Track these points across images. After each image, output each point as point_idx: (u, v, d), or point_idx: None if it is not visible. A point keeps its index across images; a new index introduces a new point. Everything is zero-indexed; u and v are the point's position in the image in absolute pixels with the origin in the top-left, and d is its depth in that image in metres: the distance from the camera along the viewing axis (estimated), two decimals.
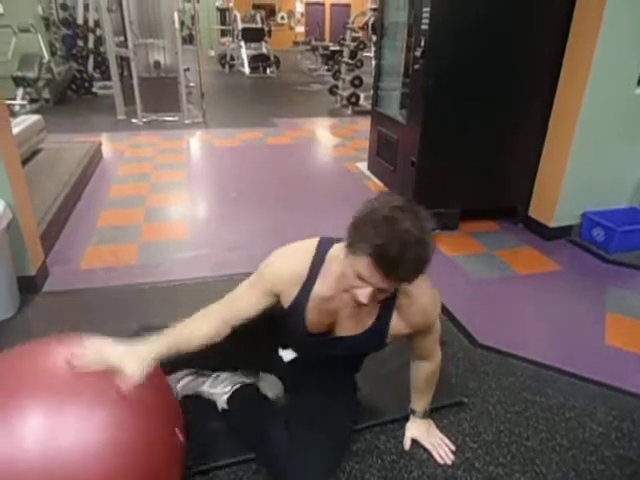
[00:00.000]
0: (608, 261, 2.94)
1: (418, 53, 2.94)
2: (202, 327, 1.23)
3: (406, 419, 1.64)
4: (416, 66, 3.02)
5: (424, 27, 2.85)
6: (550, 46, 2.95)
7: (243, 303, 1.25)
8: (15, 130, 3.27)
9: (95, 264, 2.80)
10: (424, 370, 1.50)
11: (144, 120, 6.43)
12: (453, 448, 1.56)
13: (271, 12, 18.93)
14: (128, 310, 2.34)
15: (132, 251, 2.98)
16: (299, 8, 20.89)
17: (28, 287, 2.41)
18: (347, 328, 1.28)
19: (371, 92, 4.30)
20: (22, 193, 2.41)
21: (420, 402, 1.57)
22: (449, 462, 1.52)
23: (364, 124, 6.41)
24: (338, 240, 1.22)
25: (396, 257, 0.94)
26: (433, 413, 1.66)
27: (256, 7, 16.11)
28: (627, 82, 2.88)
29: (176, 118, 6.60)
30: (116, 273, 2.71)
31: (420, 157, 3.10)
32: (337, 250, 1.19)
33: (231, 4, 16.38)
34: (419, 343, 1.40)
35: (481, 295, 2.61)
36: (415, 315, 1.26)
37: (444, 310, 2.42)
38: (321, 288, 1.21)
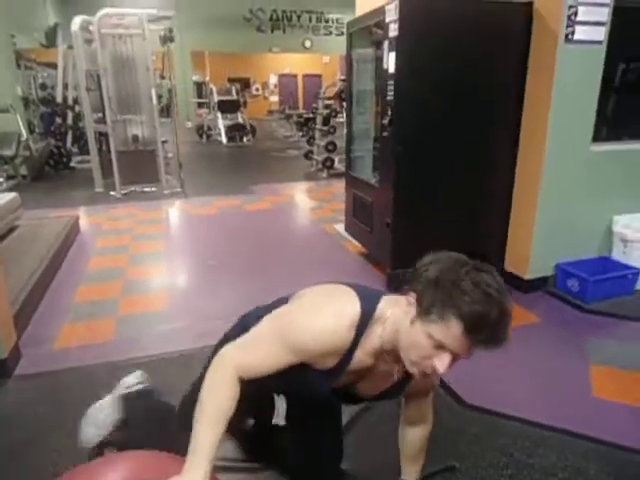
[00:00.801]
0: (586, 311, 2.99)
1: (386, 121, 3.10)
2: (227, 411, 1.00)
3: None
4: (385, 133, 3.17)
5: (390, 98, 3.03)
6: (509, 109, 3.16)
7: (266, 364, 1.05)
8: None
9: (71, 342, 2.71)
10: (417, 435, 1.44)
11: (122, 192, 6.49)
12: None
13: (246, 84, 19.85)
14: (103, 391, 2.25)
15: (109, 326, 2.91)
16: (272, 80, 21.96)
17: None
18: (365, 387, 1.21)
19: (344, 156, 4.46)
20: None
21: (412, 470, 1.47)
22: None
23: (340, 186, 6.59)
24: (378, 295, 1.15)
25: (496, 321, 0.90)
26: None
27: (231, 80, 16.90)
28: (582, 139, 3.07)
29: (154, 189, 6.69)
30: (92, 351, 2.63)
31: (394, 218, 3.18)
32: (381, 312, 1.10)
33: (207, 78, 17.15)
34: (419, 406, 1.37)
35: None
36: (427, 380, 1.24)
37: None
38: (359, 361, 1.10)
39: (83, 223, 5.10)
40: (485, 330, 0.91)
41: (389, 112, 3.06)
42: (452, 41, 2.95)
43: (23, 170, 7.30)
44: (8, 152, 6.77)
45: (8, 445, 1.93)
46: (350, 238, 4.23)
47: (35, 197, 5.98)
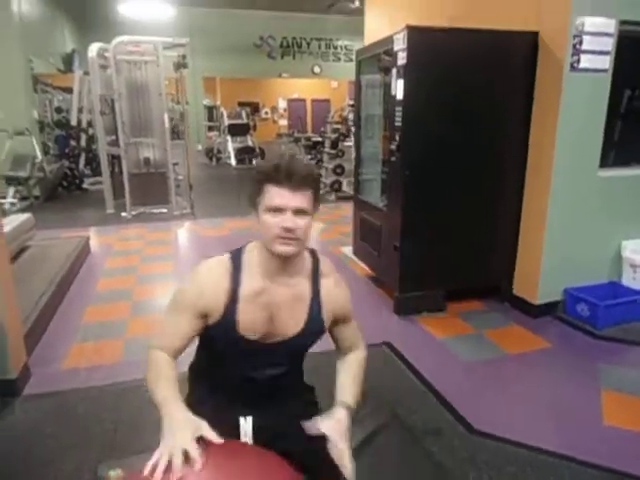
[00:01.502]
0: (597, 337, 2.96)
1: (394, 147, 3.15)
2: (169, 371, 1.18)
3: None
4: (393, 158, 3.22)
5: (398, 123, 3.08)
6: (515, 136, 3.20)
7: (179, 337, 1.20)
8: (5, 229, 3.32)
9: (79, 363, 2.72)
10: (351, 359, 1.40)
11: (133, 213, 6.58)
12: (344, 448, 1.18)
13: (255, 108, 20.17)
14: (110, 412, 2.26)
15: (117, 347, 2.92)
16: (282, 104, 22.31)
17: (8, 391, 2.33)
18: (285, 322, 1.23)
19: (352, 179, 4.50)
20: (9, 294, 2.40)
21: (348, 394, 1.32)
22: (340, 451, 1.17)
23: (347, 209, 6.62)
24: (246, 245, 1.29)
25: (285, 165, 1.11)
26: None
27: (241, 104, 17.19)
28: (590, 165, 3.09)
29: (165, 210, 6.77)
30: (100, 372, 2.64)
31: (403, 242, 3.19)
32: (250, 245, 1.27)
33: (218, 102, 17.47)
34: (345, 333, 1.38)
35: (473, 378, 2.58)
36: (336, 291, 1.30)
37: (437, 395, 2.38)
38: (249, 283, 1.20)
39: (94, 243, 5.16)
40: (282, 175, 1.10)
41: (397, 138, 3.11)
42: (459, 69, 3.01)
43: (36, 191, 7.43)
44: (22, 173, 6.90)
45: (20, 463, 1.93)
46: (358, 261, 4.24)
47: (47, 217, 6.06)
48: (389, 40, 3.12)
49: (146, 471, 0.94)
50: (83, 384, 2.51)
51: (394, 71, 3.07)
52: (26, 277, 3.49)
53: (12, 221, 3.96)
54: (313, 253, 1.32)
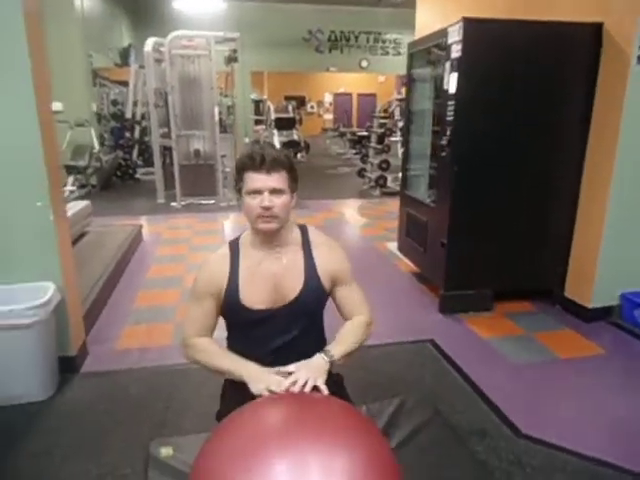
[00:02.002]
0: None
1: (444, 142, 3.09)
2: (216, 346, 1.40)
3: None
4: (443, 153, 3.16)
5: (449, 118, 3.02)
6: (574, 133, 3.07)
7: (205, 320, 1.39)
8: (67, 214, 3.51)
9: (132, 344, 2.85)
10: (355, 323, 1.44)
11: (182, 203, 6.79)
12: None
13: (302, 102, 20.27)
14: (161, 392, 2.36)
15: (167, 331, 3.03)
16: (327, 98, 22.31)
17: (68, 367, 2.47)
18: (284, 288, 1.36)
19: (398, 174, 4.46)
20: (71, 275, 2.54)
21: (338, 347, 1.35)
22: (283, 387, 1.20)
23: (392, 205, 6.58)
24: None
25: (257, 151, 1.26)
26: None
27: (288, 98, 17.34)
28: None
29: (212, 201, 6.94)
30: (151, 354, 2.75)
31: (450, 238, 3.14)
32: (245, 232, 1.43)
33: (265, 96, 17.69)
34: (345, 296, 1.44)
35: (521, 380, 2.52)
36: (329, 254, 1.42)
37: (482, 395, 2.34)
38: (245, 261, 1.37)
39: (145, 232, 5.36)
40: (256, 161, 1.26)
41: (448, 132, 3.05)
42: (515, 63, 2.92)
43: (93, 180, 7.80)
44: (82, 163, 7.25)
45: (77, 436, 2.05)
46: (402, 257, 4.20)
47: (102, 205, 6.34)
48: (443, 32, 3.06)
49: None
50: (135, 364, 2.62)
51: (447, 64, 3.01)
52: (84, 261, 3.68)
53: (72, 207, 4.17)
54: (302, 227, 1.46)
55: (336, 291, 1.44)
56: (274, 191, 1.27)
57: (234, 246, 1.42)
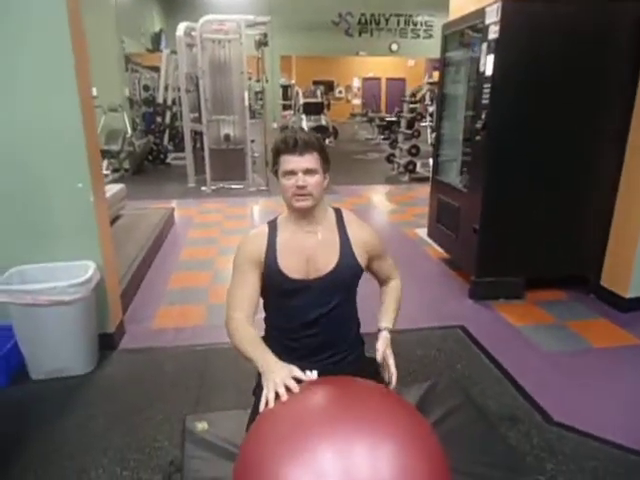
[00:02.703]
0: None
1: (479, 125, 3.03)
2: (252, 332, 1.39)
3: None
4: (477, 137, 3.10)
5: (485, 101, 2.96)
6: (615, 119, 2.96)
7: (246, 293, 1.43)
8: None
9: (166, 324, 2.94)
10: (392, 287, 1.62)
11: (212, 188, 6.87)
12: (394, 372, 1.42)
13: (330, 87, 20.13)
14: (195, 371, 2.43)
15: (200, 312, 3.11)
16: (356, 83, 22.07)
17: (107, 344, 2.57)
18: (319, 261, 1.43)
19: (427, 160, 4.40)
20: (109, 255, 2.63)
21: (388, 318, 1.55)
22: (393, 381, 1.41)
23: (421, 191, 6.52)
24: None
25: (290, 135, 1.35)
26: None
27: (316, 83, 17.22)
28: None
29: (241, 186, 7.01)
30: (185, 333, 2.84)
31: (483, 224, 3.10)
32: (283, 213, 1.51)
33: (293, 81, 17.62)
34: (381, 267, 1.59)
35: (553, 368, 2.48)
36: (362, 232, 1.50)
37: (513, 382, 2.32)
38: (283, 236, 1.46)
39: (177, 215, 5.46)
40: (289, 144, 1.35)
41: (483, 116, 2.99)
42: (555, 45, 2.84)
43: (126, 164, 7.96)
44: (115, 147, 7.41)
45: (116, 409, 2.15)
46: (432, 243, 4.17)
47: (135, 189, 6.46)
48: (480, 13, 2.98)
49: (261, 407, 1.12)
50: (170, 343, 2.71)
51: (484, 46, 2.94)
52: (120, 243, 3.78)
53: (108, 190, 4.28)
54: (337, 209, 1.54)
55: (374, 265, 1.56)
56: (307, 171, 1.35)
57: (272, 224, 1.51)
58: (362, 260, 1.47)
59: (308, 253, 1.42)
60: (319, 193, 1.40)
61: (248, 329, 1.38)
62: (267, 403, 1.12)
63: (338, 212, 1.53)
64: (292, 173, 1.35)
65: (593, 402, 2.21)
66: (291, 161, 1.35)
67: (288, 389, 1.13)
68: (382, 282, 1.64)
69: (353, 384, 1.20)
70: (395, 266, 1.64)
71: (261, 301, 1.50)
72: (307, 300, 1.43)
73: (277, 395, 1.12)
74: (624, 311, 3.02)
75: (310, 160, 1.36)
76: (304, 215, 1.43)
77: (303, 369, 1.26)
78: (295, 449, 0.94)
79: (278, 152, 1.38)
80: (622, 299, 3.04)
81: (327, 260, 1.43)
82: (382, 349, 1.43)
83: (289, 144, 1.34)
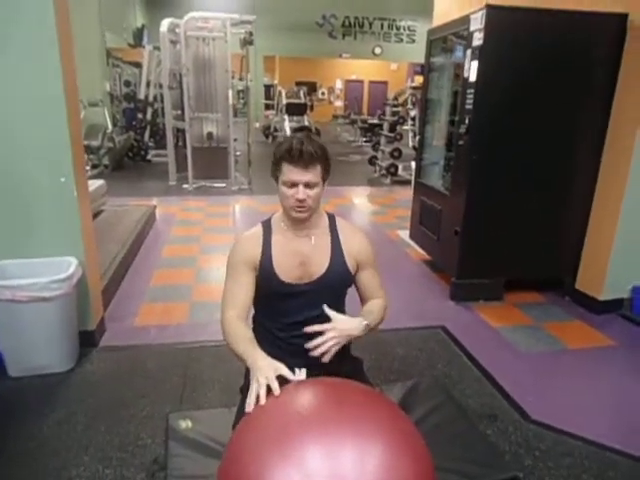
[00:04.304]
0: None
1: (462, 130, 3.09)
2: (244, 329, 1.39)
3: None
4: (460, 142, 3.17)
5: (468, 106, 3.02)
6: (593, 125, 3.06)
7: (240, 293, 1.44)
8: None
9: (149, 321, 2.91)
10: (375, 303, 1.53)
11: (194, 186, 6.82)
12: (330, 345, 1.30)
13: (313, 88, 20.15)
14: (178, 368, 2.41)
15: (183, 310, 3.09)
16: (339, 85, 22.16)
17: (87, 341, 2.53)
18: (311, 265, 1.44)
19: (409, 163, 4.46)
20: (92, 251, 2.59)
21: (368, 317, 1.43)
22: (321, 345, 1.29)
23: (403, 193, 6.60)
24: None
25: (297, 147, 1.31)
26: None
27: (299, 84, 17.23)
28: None
29: (224, 184, 6.97)
30: (168, 331, 2.81)
31: (464, 227, 3.16)
32: (277, 213, 1.52)
33: (276, 81, 17.60)
34: (369, 280, 1.54)
35: (531, 368, 2.55)
36: (353, 239, 1.51)
37: (492, 381, 2.38)
38: (277, 238, 1.47)
39: (158, 213, 5.39)
40: (294, 155, 1.32)
41: (466, 121, 3.05)
42: (536, 53, 2.91)
43: (106, 160, 7.83)
44: (95, 142, 7.30)
45: (97, 406, 2.12)
46: (414, 245, 4.22)
47: (115, 185, 6.35)
48: (465, 19, 3.04)
49: (249, 409, 1.10)
50: (153, 341, 2.69)
51: (468, 52, 3.01)
52: (101, 239, 3.72)
53: (89, 186, 4.21)
54: (330, 215, 1.55)
55: (360, 274, 1.53)
56: (308, 185, 1.35)
57: (266, 224, 1.52)
58: (352, 267, 1.49)
59: (302, 257, 1.44)
60: (317, 204, 1.42)
61: (242, 327, 1.39)
62: (252, 402, 1.10)
63: (332, 218, 1.54)
64: (294, 185, 1.35)
65: (569, 401, 2.28)
66: (294, 172, 1.34)
67: (270, 390, 1.10)
68: (365, 300, 1.56)
69: (338, 385, 1.21)
70: (382, 286, 1.58)
71: None
72: (298, 303, 1.45)
73: (268, 390, 1.11)
74: (598, 313, 3.12)
75: (313, 174, 1.35)
76: (300, 221, 1.44)
77: (292, 366, 1.27)
78: (281, 450, 0.95)
79: (282, 158, 1.36)
80: (596, 301, 3.13)
81: (319, 264, 1.45)
82: (338, 322, 1.33)
83: (294, 156, 1.32)
